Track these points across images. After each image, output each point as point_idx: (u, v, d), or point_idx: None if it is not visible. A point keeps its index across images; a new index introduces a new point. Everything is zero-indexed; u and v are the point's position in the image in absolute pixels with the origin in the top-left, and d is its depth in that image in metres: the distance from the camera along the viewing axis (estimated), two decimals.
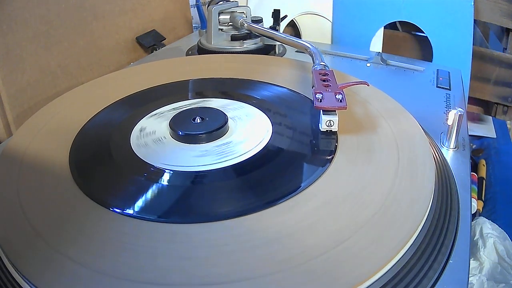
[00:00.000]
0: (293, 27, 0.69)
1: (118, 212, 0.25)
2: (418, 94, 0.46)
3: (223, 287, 0.21)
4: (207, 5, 0.61)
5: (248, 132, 0.33)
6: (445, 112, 0.42)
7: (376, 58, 0.54)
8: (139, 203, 0.26)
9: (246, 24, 0.54)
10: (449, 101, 0.44)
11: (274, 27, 0.56)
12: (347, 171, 0.28)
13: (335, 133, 0.32)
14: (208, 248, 0.23)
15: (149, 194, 0.27)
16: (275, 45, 0.56)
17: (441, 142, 0.36)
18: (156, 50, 0.62)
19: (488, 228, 0.45)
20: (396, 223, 0.24)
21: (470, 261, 0.29)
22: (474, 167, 0.59)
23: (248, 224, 0.24)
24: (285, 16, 0.63)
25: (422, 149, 0.30)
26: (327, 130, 0.32)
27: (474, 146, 0.66)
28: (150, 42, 0.63)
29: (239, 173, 0.29)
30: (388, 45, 0.64)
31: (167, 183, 0.28)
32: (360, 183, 0.27)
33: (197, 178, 0.28)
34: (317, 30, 0.67)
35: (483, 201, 0.53)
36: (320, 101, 0.31)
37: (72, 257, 0.22)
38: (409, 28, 0.64)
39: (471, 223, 0.28)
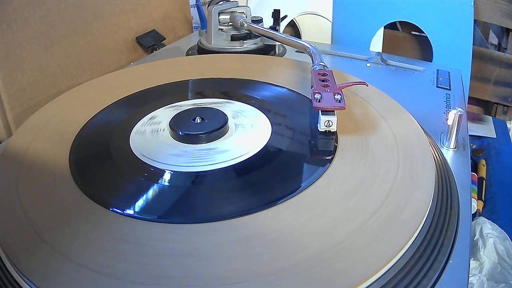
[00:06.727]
0: (293, 27, 0.69)
1: (118, 212, 0.25)
2: (418, 94, 0.46)
3: (223, 287, 0.21)
4: (207, 5, 0.61)
5: (247, 132, 0.33)
6: (445, 112, 0.42)
7: (376, 58, 0.54)
8: (139, 203, 0.26)
9: (246, 24, 0.54)
10: (449, 101, 0.44)
11: (274, 27, 0.56)
12: (346, 171, 0.28)
13: (334, 133, 0.32)
14: (208, 248, 0.23)
15: (149, 194, 0.27)
16: (275, 45, 0.56)
17: (441, 142, 0.36)
18: (156, 50, 0.62)
19: (488, 228, 0.45)
20: (396, 223, 0.24)
21: (470, 261, 0.29)
22: (474, 167, 0.59)
23: (247, 224, 0.24)
24: (285, 16, 0.63)
25: (422, 149, 0.30)
26: (325, 131, 0.32)
27: (474, 146, 0.66)
28: (150, 42, 0.63)
29: (238, 174, 0.29)
30: (388, 45, 0.64)
31: (167, 184, 0.28)
32: (360, 184, 0.27)
33: (197, 178, 0.29)
34: (317, 30, 0.67)
35: (483, 201, 0.53)
36: (319, 101, 0.31)
37: (72, 257, 0.22)
38: (409, 28, 0.64)
39: (471, 223, 0.28)
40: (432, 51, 0.60)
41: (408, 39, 0.65)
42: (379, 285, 0.22)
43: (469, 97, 0.61)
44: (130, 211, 0.26)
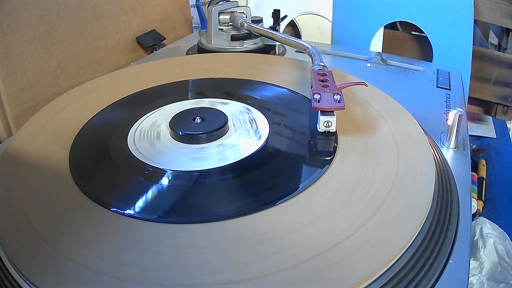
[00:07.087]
0: (293, 27, 0.69)
1: (118, 212, 0.25)
2: (418, 94, 0.46)
3: (223, 287, 0.21)
4: (207, 5, 0.61)
5: (247, 132, 0.33)
6: (445, 112, 0.42)
7: (376, 58, 0.54)
8: (139, 204, 0.26)
9: (246, 24, 0.54)
10: (449, 101, 0.44)
11: (274, 27, 0.56)
12: (346, 172, 0.28)
13: (333, 133, 0.32)
14: (209, 248, 0.23)
15: (149, 194, 0.27)
16: (275, 45, 0.56)
17: (441, 142, 0.36)
18: (156, 50, 0.62)
19: (488, 228, 0.45)
20: (396, 223, 0.24)
21: (470, 261, 0.29)
22: (474, 167, 0.59)
23: (247, 224, 0.24)
24: (285, 16, 0.63)
25: (422, 149, 0.30)
26: (325, 131, 0.32)
27: (474, 146, 0.66)
28: (150, 42, 0.63)
29: (238, 173, 0.29)
30: (388, 45, 0.64)
31: (166, 184, 0.28)
32: (359, 184, 0.27)
33: (197, 178, 0.29)
34: (317, 30, 0.67)
35: (483, 201, 0.53)
36: (318, 101, 0.31)
37: (72, 257, 0.22)
38: (409, 28, 0.64)
39: (471, 223, 0.28)
40: (432, 51, 0.60)
41: (408, 39, 0.65)
42: (379, 285, 0.22)
43: (469, 97, 0.61)
44: (130, 211, 0.26)
